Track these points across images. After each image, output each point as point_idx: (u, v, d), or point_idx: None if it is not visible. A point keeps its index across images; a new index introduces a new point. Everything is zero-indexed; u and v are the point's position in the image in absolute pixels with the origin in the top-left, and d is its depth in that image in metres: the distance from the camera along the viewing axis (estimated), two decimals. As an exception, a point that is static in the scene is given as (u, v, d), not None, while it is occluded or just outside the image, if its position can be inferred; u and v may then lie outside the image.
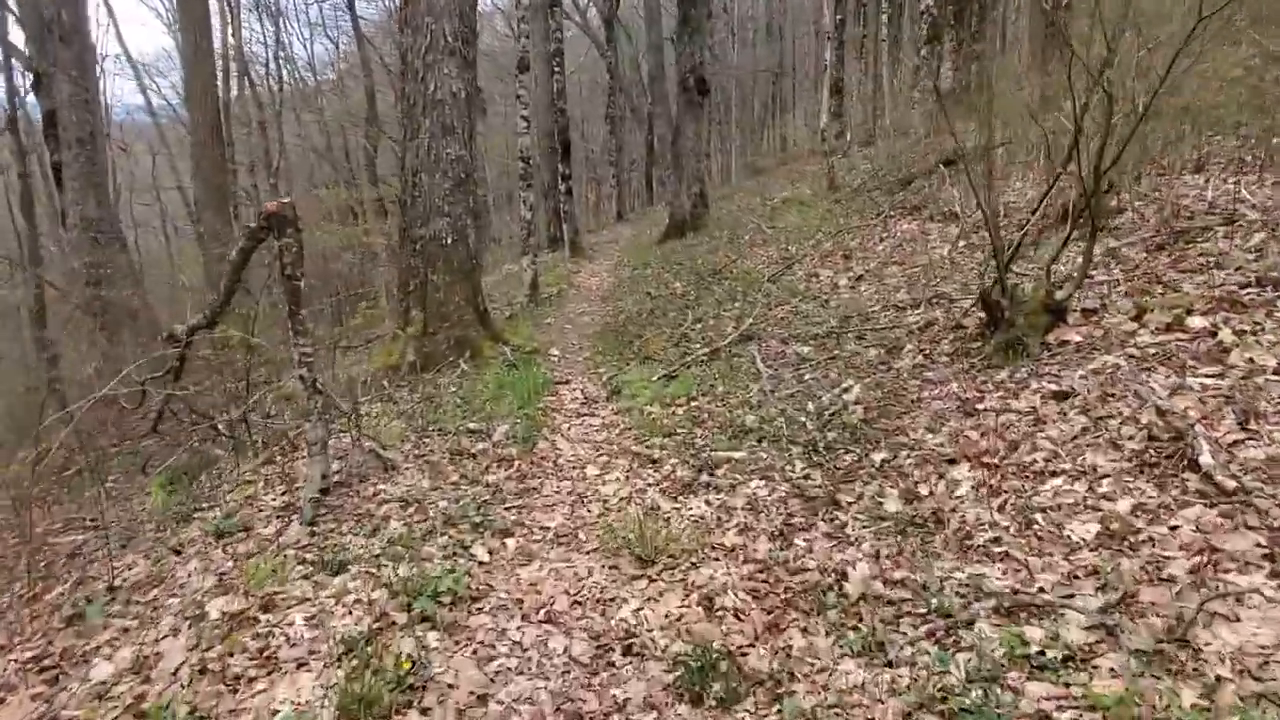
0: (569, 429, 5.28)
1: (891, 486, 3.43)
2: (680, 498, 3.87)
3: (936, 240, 7.54)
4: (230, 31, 21.42)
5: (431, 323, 7.58)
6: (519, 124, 10.29)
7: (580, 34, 28.56)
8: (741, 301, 7.75)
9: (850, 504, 3.40)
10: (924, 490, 3.30)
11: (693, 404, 5.29)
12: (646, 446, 4.65)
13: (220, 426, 6.27)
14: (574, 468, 4.49)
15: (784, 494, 3.67)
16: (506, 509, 3.85)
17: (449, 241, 7.58)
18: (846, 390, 4.59)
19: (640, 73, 29.15)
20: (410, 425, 5.43)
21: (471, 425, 5.04)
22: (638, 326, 8.26)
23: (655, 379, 5.96)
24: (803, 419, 4.43)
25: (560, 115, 14.06)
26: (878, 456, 3.69)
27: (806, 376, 5.13)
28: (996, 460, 3.31)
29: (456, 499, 3.93)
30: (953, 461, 3.45)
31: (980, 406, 3.83)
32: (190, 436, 6.49)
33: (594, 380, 6.86)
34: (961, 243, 7.12)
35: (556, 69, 13.95)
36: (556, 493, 4.11)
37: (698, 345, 6.87)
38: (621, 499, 3.97)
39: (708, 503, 3.74)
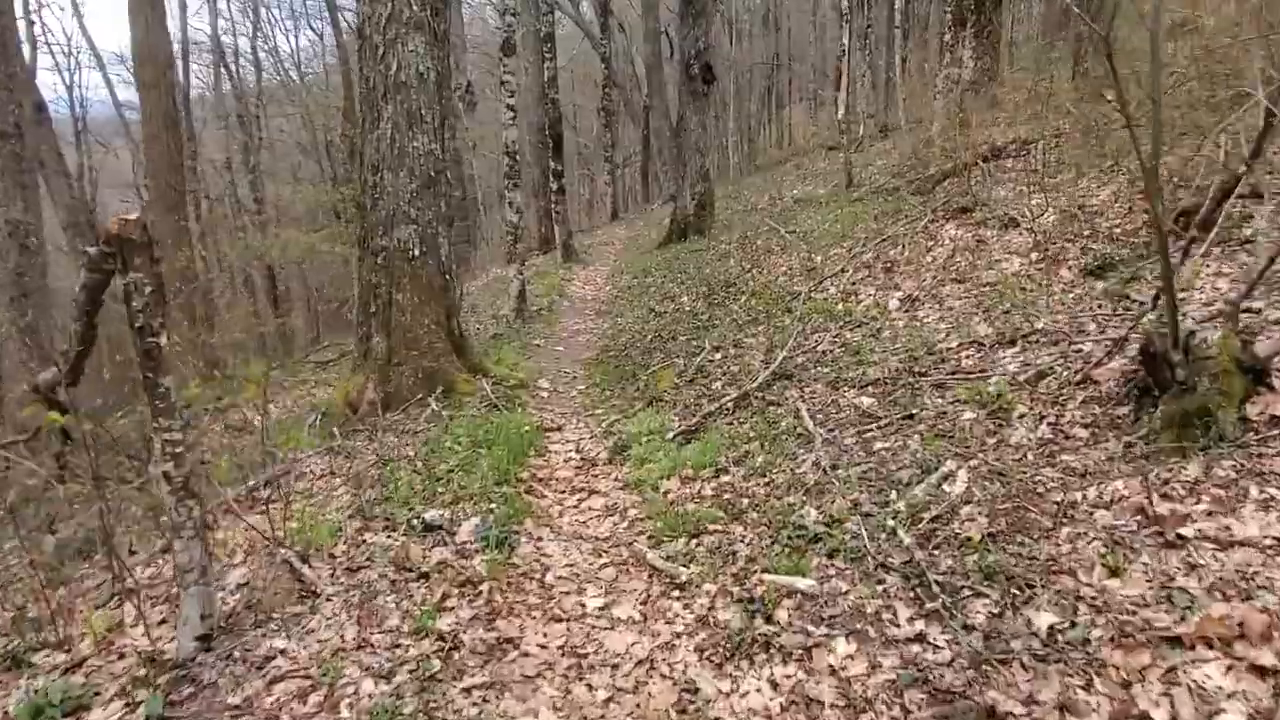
0: (561, 514, 3.90)
1: (1083, 688, 2.07)
2: (727, 667, 2.50)
3: (998, 251, 6.18)
4: (180, 20, 19.82)
5: (396, 352, 6.17)
6: (504, 114, 8.86)
7: (569, 25, 27.01)
8: (766, 325, 6.36)
9: (1019, 719, 2.04)
10: (1151, 710, 1.93)
11: (723, 480, 3.92)
12: (667, 556, 3.27)
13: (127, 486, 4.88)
14: (568, 591, 3.11)
15: (893, 673, 2.31)
16: (463, 690, 2.47)
17: (416, 253, 6.17)
18: (948, 478, 3.22)
19: (633, 66, 27.66)
20: (352, 507, 4.04)
21: (430, 515, 3.65)
22: (641, 353, 6.88)
23: (670, 437, 4.58)
24: (889, 520, 3.06)
25: (552, 106, 12.61)
26: (1041, 620, 2.32)
27: (877, 446, 3.77)
28: (1273, 654, 1.95)
29: (389, 671, 2.55)
30: (1179, 643, 2.10)
31: (1185, 532, 2.47)
32: (88, 503, 5.10)
33: (591, 426, 5.49)
34: (1035, 255, 5.76)
35: (548, 55, 12.49)
36: (543, 647, 2.73)
37: (718, 383, 5.50)
38: (639, 664, 2.60)
39: (773, 683, 2.38)
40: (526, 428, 5.26)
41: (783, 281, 7.51)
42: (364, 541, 3.55)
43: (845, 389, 4.60)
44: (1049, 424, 3.39)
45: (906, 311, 5.59)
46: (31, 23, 18.16)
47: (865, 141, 15.47)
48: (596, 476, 4.41)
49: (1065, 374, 3.68)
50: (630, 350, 7.08)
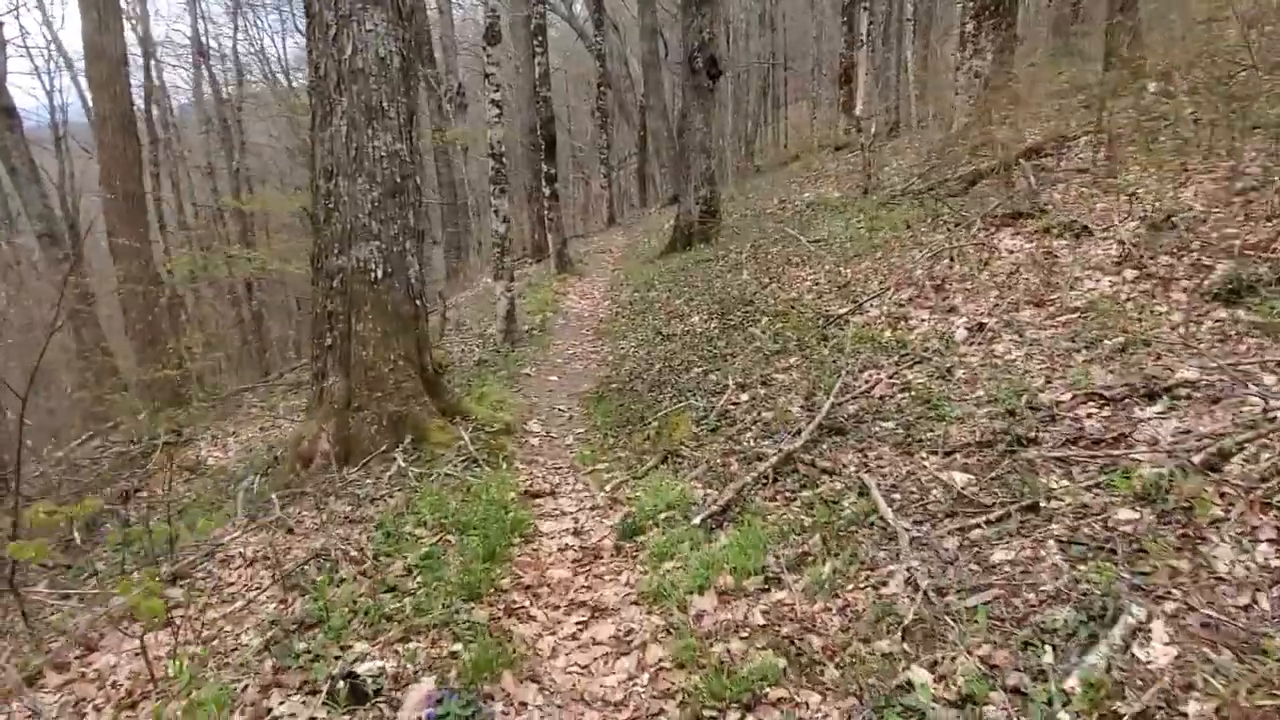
0: (553, 652, 2.75)
1: None
2: None
3: (1076, 266, 5.06)
4: (141, 15, 18.56)
5: (356, 393, 5.04)
6: (488, 111, 7.72)
7: (563, 26, 25.83)
8: (799, 357, 5.24)
9: None
10: None
11: (777, 598, 2.78)
12: (714, 747, 2.14)
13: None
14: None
15: None
16: None
17: (379, 275, 5.03)
18: (1137, 633, 2.09)
19: (628, 67, 26.48)
20: (271, 631, 2.90)
21: (366, 667, 2.50)
22: (649, 387, 5.75)
23: (695, 519, 3.45)
24: (1058, 711, 1.94)
25: (543, 105, 11.45)
26: None
27: (997, 556, 2.63)
28: None
29: None
30: None
31: None
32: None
33: (592, 488, 4.36)
34: (1131, 272, 4.65)
35: (538, 50, 11.33)
36: None
37: (749, 435, 4.36)
38: None
39: None
40: (511, 495, 4.14)
41: (810, 300, 6.38)
42: (268, 713, 2.40)
43: (923, 454, 3.47)
44: (1270, 541, 2.26)
45: (979, 344, 4.46)
46: (0, 24, 16.99)
47: (875, 141, 14.36)
48: (601, 578, 3.26)
49: (1267, 457, 2.55)
50: (635, 383, 5.95)
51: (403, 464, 4.67)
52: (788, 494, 3.54)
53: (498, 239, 7.89)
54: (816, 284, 6.79)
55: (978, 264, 5.71)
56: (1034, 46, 17.52)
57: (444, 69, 18.44)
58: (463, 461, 4.74)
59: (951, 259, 6.00)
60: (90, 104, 19.61)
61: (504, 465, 4.72)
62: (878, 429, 3.83)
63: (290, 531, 4.17)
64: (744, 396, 4.87)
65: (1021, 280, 5.21)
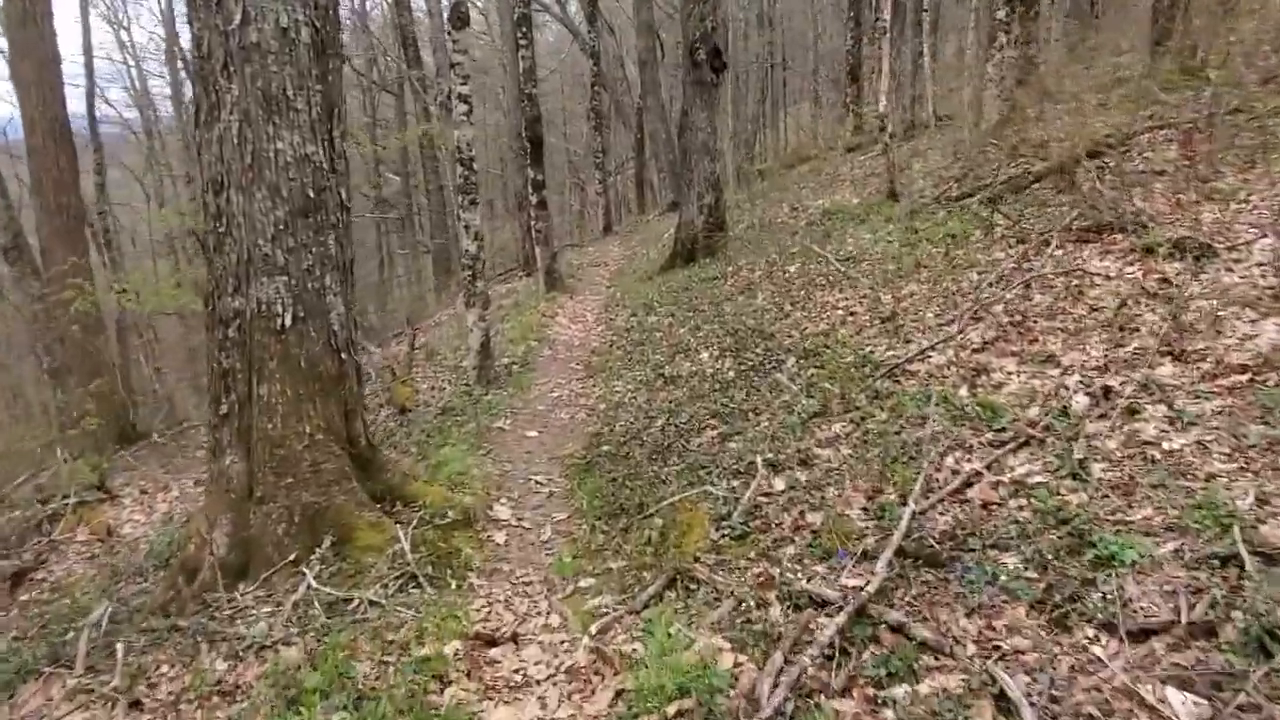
0: None
1: None
2: None
3: (1212, 300, 3.74)
4: (82, 13, 17.14)
5: (260, 479, 3.71)
6: (456, 106, 6.39)
7: (558, 28, 24.45)
8: (846, 421, 3.90)
9: None
10: None
11: None
12: None
13: None
14: None
15: None
16: None
17: (287, 321, 3.70)
18: None
19: (624, 69, 25.12)
20: None
21: None
22: (650, 454, 4.40)
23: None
24: None
25: (529, 104, 10.10)
26: None
27: None
28: None
29: None
30: None
31: None
32: None
33: (570, 629, 3.03)
34: (1309, 314, 3.32)
35: (523, 43, 9.98)
36: None
37: (792, 551, 3.03)
38: None
39: None
40: (455, 646, 2.82)
41: (846, 336, 5.05)
42: None
43: (1088, 631, 2.14)
44: None
45: (1113, 420, 3.12)
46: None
47: (895, 141, 13.01)
48: None
49: None
50: (631, 446, 4.61)
51: (314, 584, 3.34)
52: (869, 686, 2.21)
53: (468, 260, 6.55)
54: (852, 314, 5.46)
55: (1068, 294, 4.39)
56: (1046, 40, 16.28)
57: (434, 73, 17.13)
58: (397, 578, 3.41)
59: (1028, 285, 4.68)
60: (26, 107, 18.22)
61: (453, 583, 3.40)
62: (994, 566, 2.50)
63: (136, 706, 2.85)
64: (778, 484, 3.53)
65: (1135, 318, 3.89)
